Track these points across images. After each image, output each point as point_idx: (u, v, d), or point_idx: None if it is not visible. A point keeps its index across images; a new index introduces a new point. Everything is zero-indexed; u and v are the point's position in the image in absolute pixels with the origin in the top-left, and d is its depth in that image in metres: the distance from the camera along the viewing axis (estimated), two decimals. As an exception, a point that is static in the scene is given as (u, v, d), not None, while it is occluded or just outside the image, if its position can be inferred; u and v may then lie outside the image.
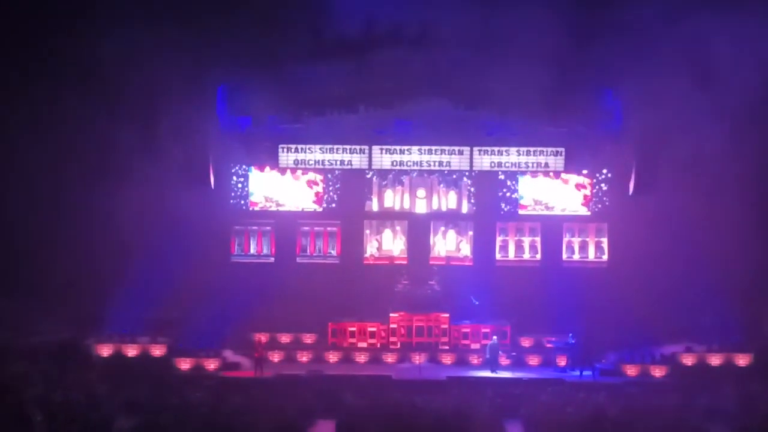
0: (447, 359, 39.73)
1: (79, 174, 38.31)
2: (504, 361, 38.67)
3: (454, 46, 38.78)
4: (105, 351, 37.55)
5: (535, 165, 41.80)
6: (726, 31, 35.11)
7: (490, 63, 38.31)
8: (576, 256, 43.18)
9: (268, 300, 40.29)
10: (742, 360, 37.54)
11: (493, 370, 37.64)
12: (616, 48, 36.58)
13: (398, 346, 40.38)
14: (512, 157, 41.78)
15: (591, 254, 43.15)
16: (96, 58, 36.49)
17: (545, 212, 42.88)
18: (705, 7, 35.15)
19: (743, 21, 34.66)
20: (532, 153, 41.68)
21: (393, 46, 38.97)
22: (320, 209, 43.06)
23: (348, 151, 41.82)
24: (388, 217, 43.41)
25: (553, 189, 42.70)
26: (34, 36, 37.41)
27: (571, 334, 38.61)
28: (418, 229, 43.24)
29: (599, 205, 42.78)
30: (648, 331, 38.35)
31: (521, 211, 43.09)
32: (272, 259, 43.21)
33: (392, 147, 41.81)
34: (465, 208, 43.20)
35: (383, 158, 41.93)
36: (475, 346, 40.47)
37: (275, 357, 39.41)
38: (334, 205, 43.15)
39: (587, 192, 42.62)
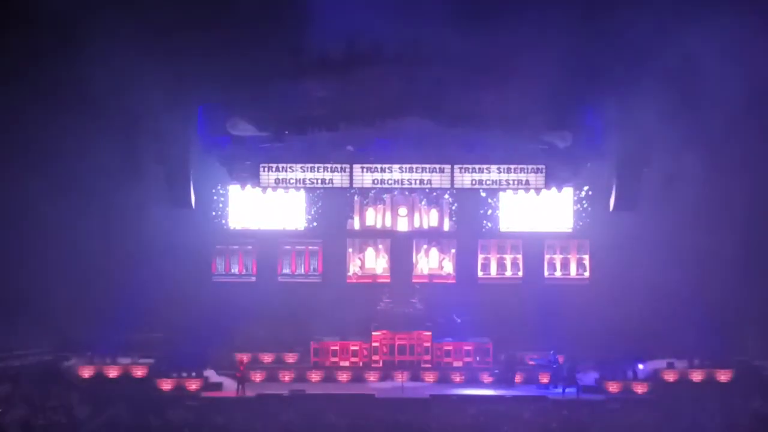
0: (429, 377, 39.68)
1: (60, 195, 38.08)
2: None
3: (434, 64, 38.85)
4: (86, 372, 37.37)
5: (516, 182, 41.64)
6: (708, 49, 35.22)
7: (470, 81, 38.37)
8: (558, 273, 43.27)
9: (249, 319, 40.30)
10: (724, 376, 37.63)
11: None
12: (598, 65, 36.71)
13: (380, 364, 40.35)
14: (493, 174, 41.58)
15: (573, 271, 43.27)
16: (75, 77, 36.37)
17: (527, 229, 42.97)
18: (687, 26, 35.28)
19: (725, 40, 34.77)
20: (512, 170, 41.45)
21: (374, 64, 38.99)
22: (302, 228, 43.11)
23: (329, 169, 41.60)
24: (370, 235, 43.43)
25: (534, 206, 42.76)
26: (11, 53, 37.29)
27: (552, 351, 38.67)
28: (401, 248, 43.27)
29: (581, 222, 42.90)
30: (630, 347, 38.46)
31: (502, 229, 43.16)
32: (254, 279, 43.16)
33: (373, 165, 41.69)
34: (447, 226, 43.27)
35: (364, 177, 41.69)
36: (457, 364, 40.53)
37: (257, 377, 39.30)
38: (315, 224, 43.13)
39: (568, 209, 42.79)
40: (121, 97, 36.82)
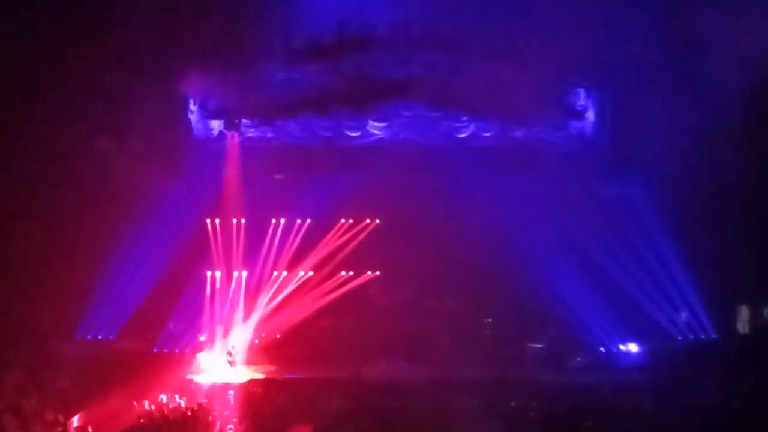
0: (426, 361, 39.51)
1: (53, 181, 37.91)
2: None
3: (426, 47, 38.85)
4: (80, 356, 37.27)
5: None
6: (702, 31, 35.18)
7: (461, 64, 38.39)
8: (552, 254, 43.15)
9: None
10: (717, 354, 37.65)
11: None
12: (593, 49, 36.63)
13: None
14: (484, 157, 41.63)
15: (564, 252, 43.14)
16: (63, 63, 36.22)
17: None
18: (680, 6, 35.27)
19: (721, 22, 34.70)
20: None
21: (365, 48, 38.98)
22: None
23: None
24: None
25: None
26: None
27: (546, 335, 38.78)
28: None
29: (572, 203, 42.77)
30: (622, 328, 38.52)
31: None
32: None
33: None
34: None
35: (356, 160, 41.80)
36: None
37: (250, 360, 39.26)
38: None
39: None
40: (111, 83, 36.80)
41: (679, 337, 38.91)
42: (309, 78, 39.31)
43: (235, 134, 40.93)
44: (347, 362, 37.02)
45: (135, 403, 30.61)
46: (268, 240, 41.81)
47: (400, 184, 39.62)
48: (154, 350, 38.31)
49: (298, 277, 41.11)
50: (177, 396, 32.08)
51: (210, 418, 29.04)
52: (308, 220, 41.55)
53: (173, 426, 27.80)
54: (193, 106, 40.41)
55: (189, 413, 29.35)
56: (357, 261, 41.64)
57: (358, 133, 41.13)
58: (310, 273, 41.36)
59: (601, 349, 38.77)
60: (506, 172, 40.69)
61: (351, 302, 41.35)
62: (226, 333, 39.85)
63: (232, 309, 40.27)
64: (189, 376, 36.94)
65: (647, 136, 37.84)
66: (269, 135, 41.33)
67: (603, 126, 40.14)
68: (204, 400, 31.34)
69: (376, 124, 40.92)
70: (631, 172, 39.20)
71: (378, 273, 41.69)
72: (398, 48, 39.08)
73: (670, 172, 37.93)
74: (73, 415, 29.28)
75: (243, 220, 41.41)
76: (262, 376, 36.96)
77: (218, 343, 39.47)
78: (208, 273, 40.82)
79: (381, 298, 41.94)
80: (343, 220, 41.97)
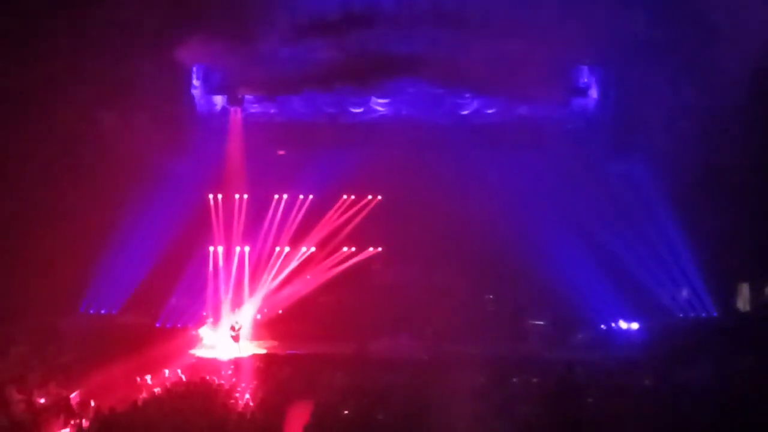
0: (429, 337, 39.58)
1: (55, 156, 37.88)
2: None
3: (429, 23, 38.73)
4: (83, 330, 37.38)
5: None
6: (706, 9, 35.03)
7: (466, 40, 38.27)
8: (551, 233, 43.16)
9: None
10: (715, 332, 37.69)
11: None
12: (596, 25, 36.52)
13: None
14: (487, 133, 41.65)
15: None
16: (64, 37, 36.12)
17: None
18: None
19: (726, 1, 34.58)
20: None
21: (369, 24, 38.86)
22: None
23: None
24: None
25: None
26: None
27: (547, 312, 38.80)
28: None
29: (574, 181, 42.75)
30: (620, 306, 38.57)
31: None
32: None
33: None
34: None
35: (359, 136, 41.82)
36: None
37: (253, 336, 39.36)
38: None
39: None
40: (114, 59, 36.73)
41: (680, 315, 39.02)
42: (313, 54, 39.22)
43: (238, 109, 41.11)
44: (349, 338, 37.09)
45: (138, 378, 30.56)
46: (270, 215, 41.92)
47: (403, 160, 39.68)
48: (157, 325, 38.38)
49: (300, 253, 41.22)
50: (179, 370, 32.14)
51: (212, 392, 29.07)
52: (310, 196, 41.74)
53: (175, 400, 27.77)
54: (196, 81, 40.43)
55: (191, 388, 29.36)
56: (359, 237, 41.77)
57: (362, 110, 41.24)
58: (313, 249, 41.48)
59: (603, 326, 38.80)
60: (509, 149, 40.88)
61: (353, 278, 41.46)
62: (229, 308, 39.98)
63: (235, 284, 40.36)
64: (192, 351, 37.12)
65: (650, 114, 37.80)
66: (272, 110, 41.44)
67: (606, 103, 40.10)
68: (207, 375, 31.36)
69: (380, 100, 40.96)
70: (633, 149, 39.18)
71: (380, 249, 41.79)
72: (402, 24, 38.96)
73: (672, 150, 37.85)
74: (75, 389, 29.27)
75: (245, 196, 41.42)
76: (264, 352, 37.10)
77: (221, 318, 39.61)
78: (211, 248, 40.91)
79: (383, 275, 42.06)
80: (345, 197, 42.07)
